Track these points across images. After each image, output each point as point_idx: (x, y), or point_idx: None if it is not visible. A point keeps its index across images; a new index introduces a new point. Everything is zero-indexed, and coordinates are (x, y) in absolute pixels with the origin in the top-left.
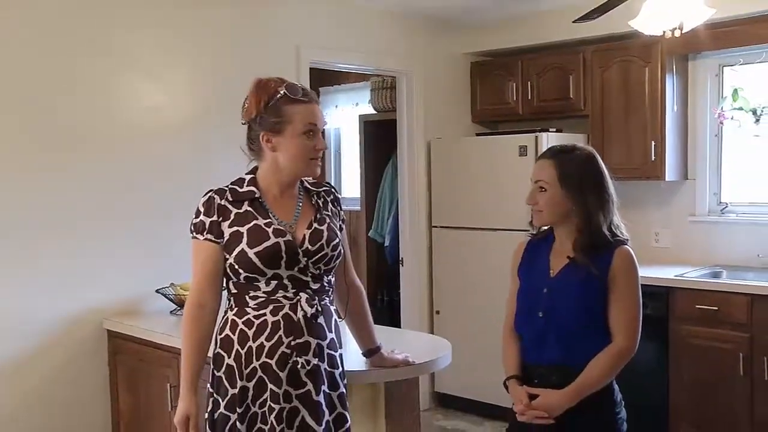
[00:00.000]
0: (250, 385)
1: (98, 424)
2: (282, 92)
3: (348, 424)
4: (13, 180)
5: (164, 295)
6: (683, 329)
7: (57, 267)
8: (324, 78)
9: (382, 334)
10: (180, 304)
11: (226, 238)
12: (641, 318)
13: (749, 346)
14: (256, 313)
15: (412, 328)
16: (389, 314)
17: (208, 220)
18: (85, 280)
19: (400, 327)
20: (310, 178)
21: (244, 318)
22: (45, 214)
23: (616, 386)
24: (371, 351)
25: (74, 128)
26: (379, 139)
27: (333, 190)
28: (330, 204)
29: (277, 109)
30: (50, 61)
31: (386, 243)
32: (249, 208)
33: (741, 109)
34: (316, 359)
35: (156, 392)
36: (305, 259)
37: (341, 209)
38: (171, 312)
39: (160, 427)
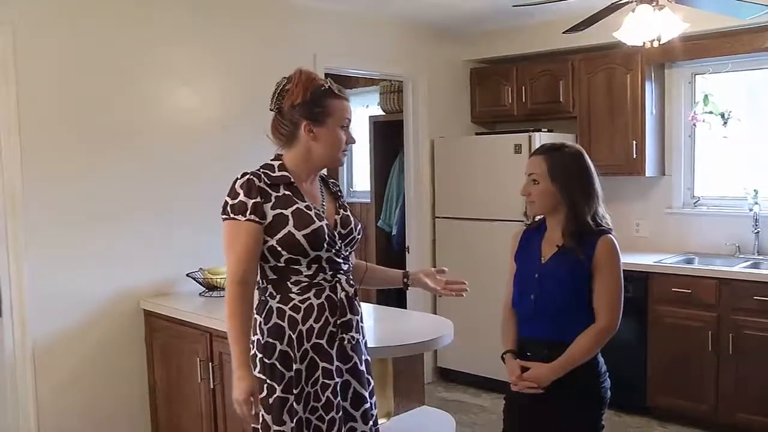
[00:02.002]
0: (303, 366)
1: (137, 392)
2: (327, 86)
3: (372, 386)
4: (67, 175)
5: (194, 279)
6: (660, 309)
7: (100, 253)
8: (337, 82)
9: (391, 314)
10: (208, 286)
11: (269, 220)
12: (622, 299)
13: (717, 324)
14: (301, 297)
15: (417, 309)
16: (396, 297)
17: (250, 201)
18: (124, 265)
19: (406, 308)
20: (325, 171)
21: (290, 304)
22: (92, 205)
23: (601, 359)
24: (405, 275)
25: (117, 128)
26: (387, 137)
27: (338, 183)
28: (339, 194)
29: (321, 100)
30: (106, 72)
31: (394, 232)
32: (287, 192)
33: (711, 113)
34: (357, 334)
35: (187, 365)
36: (340, 241)
37: (345, 200)
38: (200, 294)
39: (191, 395)
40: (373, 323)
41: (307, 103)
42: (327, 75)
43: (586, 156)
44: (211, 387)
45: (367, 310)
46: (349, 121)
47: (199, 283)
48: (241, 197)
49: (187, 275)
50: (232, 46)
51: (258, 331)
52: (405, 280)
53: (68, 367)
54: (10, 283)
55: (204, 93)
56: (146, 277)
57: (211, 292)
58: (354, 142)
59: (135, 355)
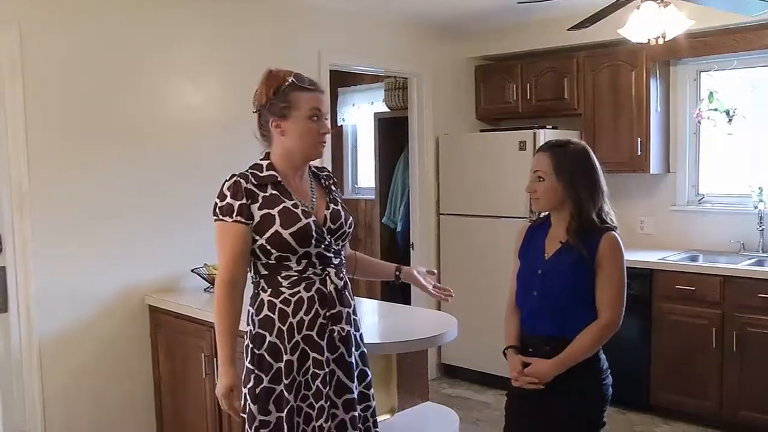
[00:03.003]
0: (294, 357)
1: (142, 387)
2: (290, 80)
3: (369, 378)
4: (73, 172)
5: (198, 275)
6: (664, 306)
7: (105, 249)
8: (343, 79)
9: (395, 310)
10: (212, 282)
11: (256, 221)
12: (625, 296)
13: (721, 321)
14: (291, 291)
15: (421, 305)
16: (401, 293)
17: (236, 203)
18: (129, 261)
19: (410, 304)
20: (316, 162)
21: (281, 297)
22: (97, 202)
23: (603, 356)
24: (398, 269)
25: (123, 125)
26: (392, 134)
27: (332, 174)
28: (333, 186)
29: (285, 95)
30: (111, 69)
31: (398, 228)
32: (274, 191)
33: (716, 110)
34: (348, 326)
35: (191, 360)
36: (329, 236)
37: (340, 192)
38: (205, 290)
39: (195, 390)
40: (378, 319)
41: (272, 101)
42: (332, 72)
43: (592, 153)
44: (216, 382)
45: (371, 305)
46: (319, 111)
47: (204, 279)
48: (228, 199)
49: (192, 271)
50: (236, 44)
51: (250, 323)
52: (397, 273)
53: (74, 362)
54: (16, 279)
55: (208, 91)
56: (151, 273)
57: (215, 290)
58: (328, 132)
59: (140, 350)
